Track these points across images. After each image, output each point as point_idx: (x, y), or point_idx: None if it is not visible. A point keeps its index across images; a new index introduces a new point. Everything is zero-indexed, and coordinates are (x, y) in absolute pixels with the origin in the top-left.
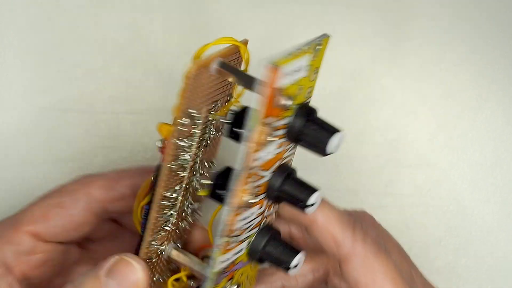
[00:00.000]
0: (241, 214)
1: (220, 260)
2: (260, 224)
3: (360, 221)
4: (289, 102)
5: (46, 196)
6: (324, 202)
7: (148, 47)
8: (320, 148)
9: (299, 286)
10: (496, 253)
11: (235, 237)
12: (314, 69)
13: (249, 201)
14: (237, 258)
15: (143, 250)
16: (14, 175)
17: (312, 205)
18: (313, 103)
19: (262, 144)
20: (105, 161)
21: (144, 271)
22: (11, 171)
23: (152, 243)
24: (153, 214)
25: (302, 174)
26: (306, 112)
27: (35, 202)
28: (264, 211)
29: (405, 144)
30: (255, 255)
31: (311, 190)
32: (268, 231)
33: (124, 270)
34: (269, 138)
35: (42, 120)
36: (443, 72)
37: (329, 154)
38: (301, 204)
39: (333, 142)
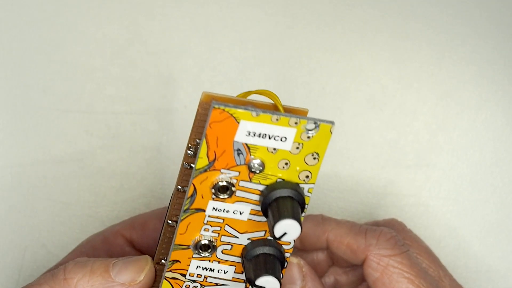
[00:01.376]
0: (201, 259)
1: None
2: None
3: (375, 229)
4: (256, 164)
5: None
6: (330, 220)
7: (148, 47)
8: (270, 229)
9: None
10: (496, 253)
11: (191, 281)
12: (310, 151)
13: (203, 247)
14: None
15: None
16: (14, 175)
17: (260, 287)
18: (313, 102)
19: (216, 191)
20: (105, 161)
21: (151, 268)
22: (11, 171)
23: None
24: (163, 231)
25: None
26: (288, 190)
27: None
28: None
29: (405, 144)
30: None
31: (266, 273)
32: None
33: (133, 261)
34: (222, 183)
35: (42, 120)
36: (443, 72)
37: (278, 239)
38: (249, 281)
39: (280, 227)
